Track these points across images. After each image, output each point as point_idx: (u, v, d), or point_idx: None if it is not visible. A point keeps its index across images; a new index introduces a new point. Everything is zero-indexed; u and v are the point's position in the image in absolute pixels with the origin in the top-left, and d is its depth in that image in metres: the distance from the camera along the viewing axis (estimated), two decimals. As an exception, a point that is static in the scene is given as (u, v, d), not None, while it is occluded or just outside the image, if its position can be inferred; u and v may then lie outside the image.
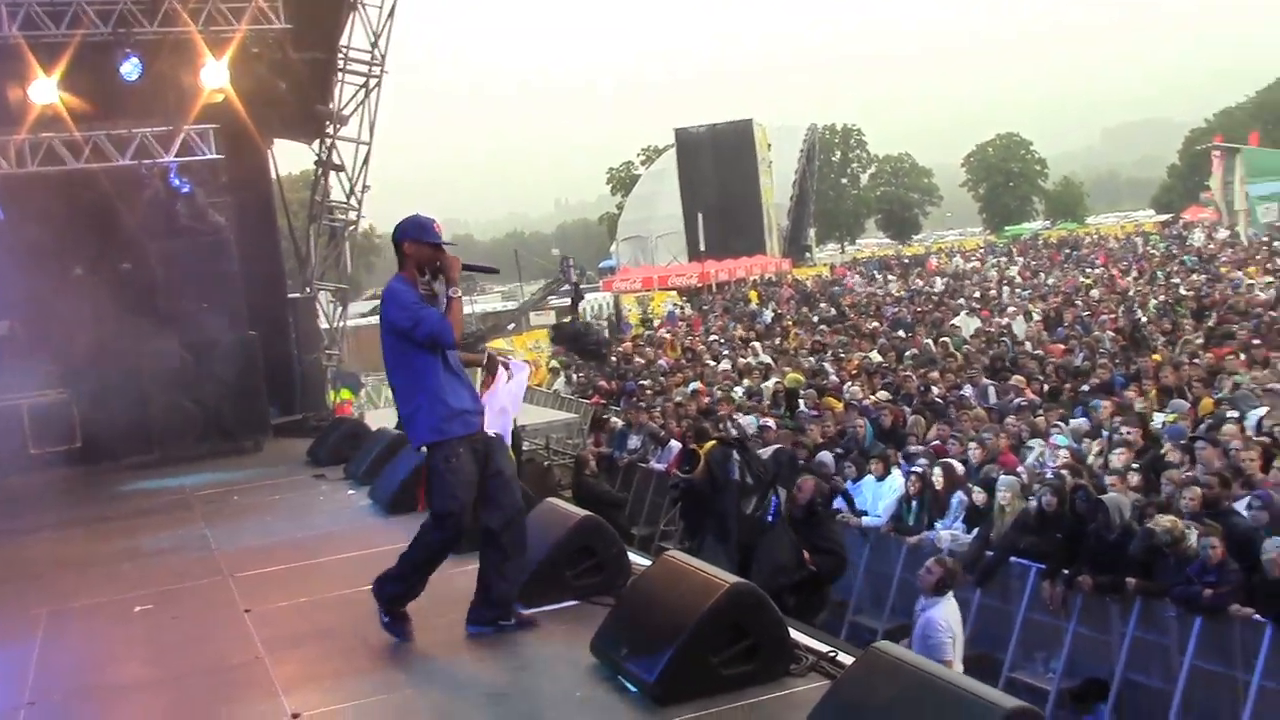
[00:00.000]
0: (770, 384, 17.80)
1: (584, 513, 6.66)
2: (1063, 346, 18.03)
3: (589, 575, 6.34)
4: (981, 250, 53.50)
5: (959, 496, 10.74)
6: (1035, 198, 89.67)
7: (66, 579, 8.58)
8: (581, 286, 22.71)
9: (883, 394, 15.43)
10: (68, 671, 6.38)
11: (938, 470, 11.02)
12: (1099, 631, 9.23)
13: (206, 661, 6.25)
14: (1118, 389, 13.52)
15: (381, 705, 5.33)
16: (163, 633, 6.90)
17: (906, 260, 51.70)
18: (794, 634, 5.19)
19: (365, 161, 17.82)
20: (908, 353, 19.34)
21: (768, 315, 31.43)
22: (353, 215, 18.50)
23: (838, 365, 19.07)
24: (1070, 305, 23.19)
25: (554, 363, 25.05)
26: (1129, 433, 11.17)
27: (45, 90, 13.04)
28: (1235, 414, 11.44)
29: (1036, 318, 22.35)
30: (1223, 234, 42.06)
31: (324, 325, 19.31)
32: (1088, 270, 33.58)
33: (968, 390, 15.10)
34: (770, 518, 8.51)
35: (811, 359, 20.20)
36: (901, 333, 22.66)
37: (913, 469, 11.44)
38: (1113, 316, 20.40)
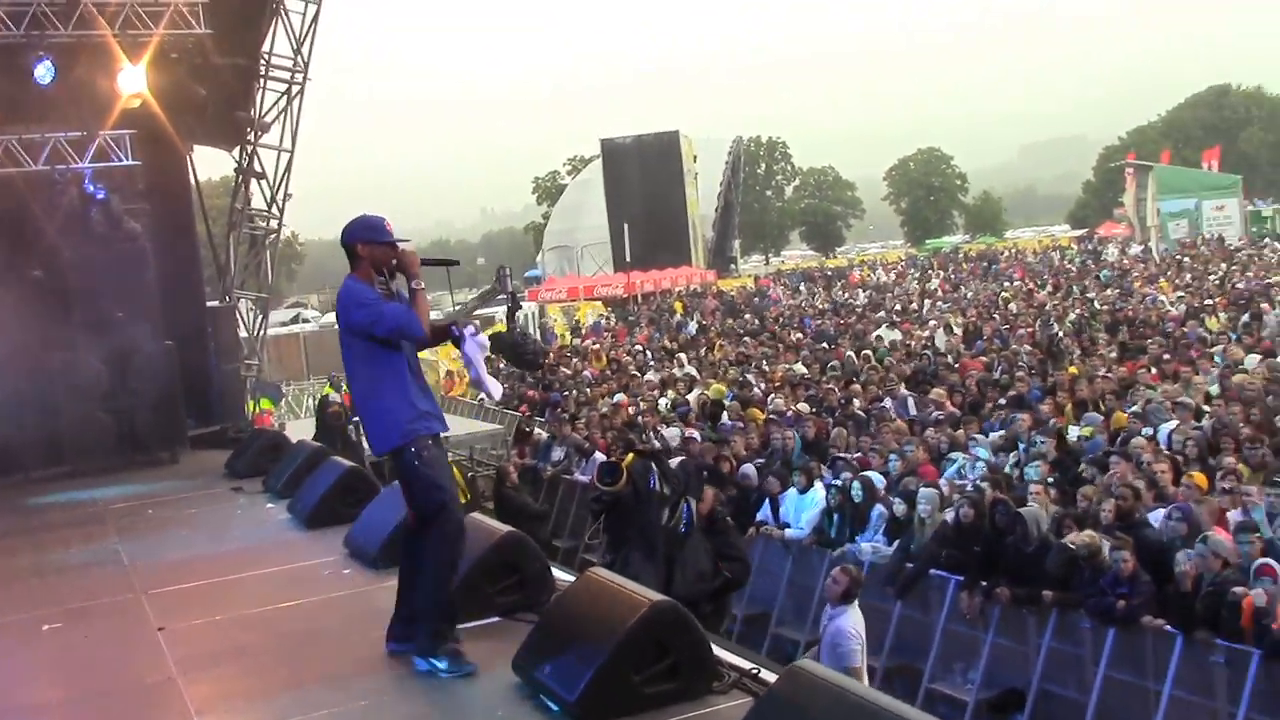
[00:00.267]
0: (694, 395, 17.85)
1: (507, 529, 6.63)
2: (982, 360, 18.31)
3: (511, 592, 6.32)
4: (903, 263, 54.22)
5: (879, 509, 10.86)
6: (955, 212, 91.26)
7: (-28, 597, 8.33)
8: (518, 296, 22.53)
9: (803, 406, 15.53)
10: (-28, 694, 6.20)
11: (857, 484, 11.13)
12: (1016, 642, 9.37)
13: (118, 682, 6.12)
14: (1034, 402, 13.75)
15: (299, 727, 5.24)
16: (72, 652, 6.74)
17: (830, 273, 52.24)
18: (717, 651, 5.21)
19: (287, 169, 17.57)
20: (830, 364, 19.52)
21: (692, 327, 31.56)
22: (274, 223, 18.22)
23: (761, 377, 19.18)
24: (989, 319, 23.59)
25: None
26: (1043, 444, 11.38)
27: (-45, 93, 12.70)
28: (1148, 429, 11.71)
29: (957, 331, 22.70)
30: (1136, 249, 43.09)
31: (244, 334, 18.99)
32: (1005, 284, 34.17)
33: (888, 403, 15.26)
34: (684, 528, 8.57)
35: (735, 370, 20.30)
36: (825, 345, 22.86)
37: (834, 481, 11.54)
38: (1030, 330, 20.78)
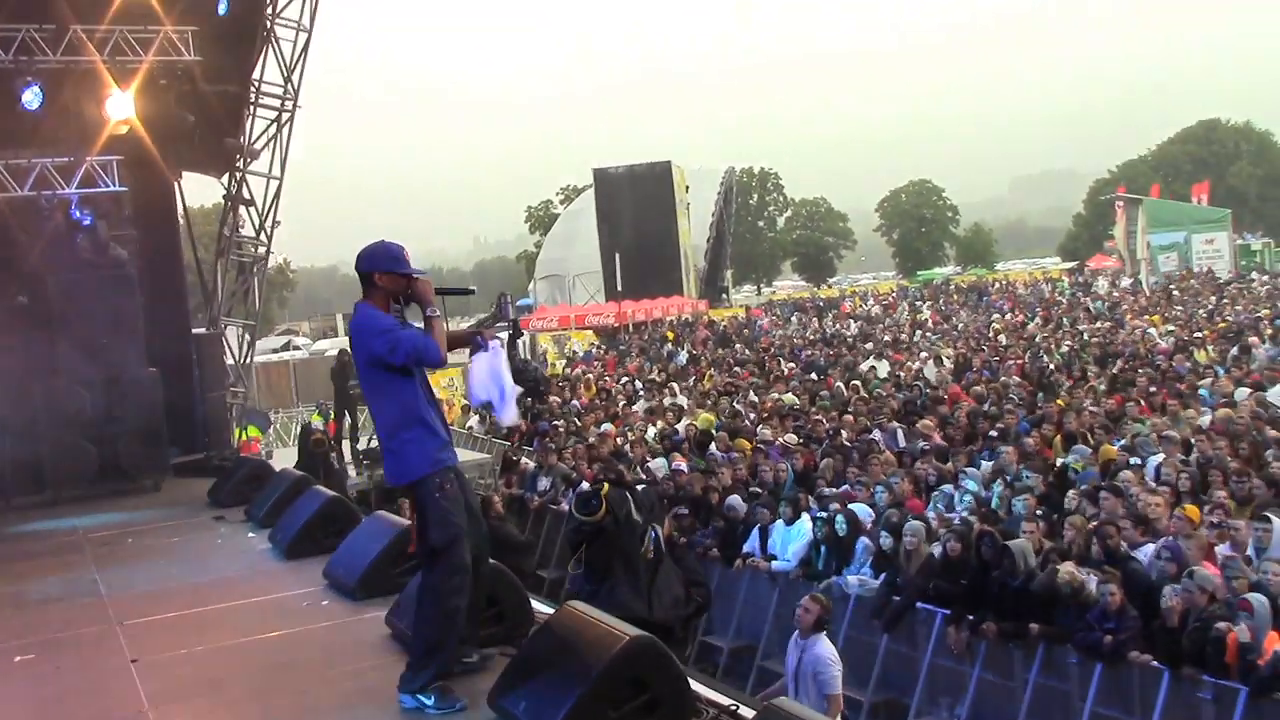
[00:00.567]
0: (682, 425, 17.78)
1: (488, 561, 6.53)
2: (974, 390, 18.24)
3: (490, 624, 6.22)
4: (894, 294, 54.32)
5: (864, 542, 10.79)
6: (946, 243, 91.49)
7: (-56, 627, 8.21)
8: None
9: (790, 437, 15.47)
10: (-62, 727, 6.09)
11: (842, 517, 11.07)
12: (1003, 677, 9.29)
13: (88, 715, 6.04)
14: (1022, 434, 13.71)
15: (269, 762, 5.15)
16: (43, 685, 6.62)
17: (821, 303, 52.27)
18: (695, 687, 5.12)
19: (276, 196, 17.58)
20: (820, 395, 19.47)
21: (683, 356, 31.51)
22: (262, 250, 18.20)
23: (751, 408, 19.11)
24: (979, 351, 23.57)
25: (466, 401, 24.79)
26: (1030, 478, 11.34)
27: (-59, 118, 12.68)
28: (1136, 460, 11.67)
29: (947, 363, 22.67)
30: (1126, 282, 43.21)
31: (231, 361, 18.92)
32: (996, 316, 34.19)
33: (877, 434, 15.20)
34: (653, 555, 8.53)
35: (726, 400, 20.24)
36: (815, 375, 22.81)
37: (820, 514, 11.47)
38: (1019, 362, 20.76)
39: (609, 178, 53.45)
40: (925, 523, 10.61)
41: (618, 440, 17.30)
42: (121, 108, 13.49)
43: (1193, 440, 12.19)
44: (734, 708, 5.06)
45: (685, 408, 19.76)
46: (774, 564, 11.57)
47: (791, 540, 11.52)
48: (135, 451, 14.20)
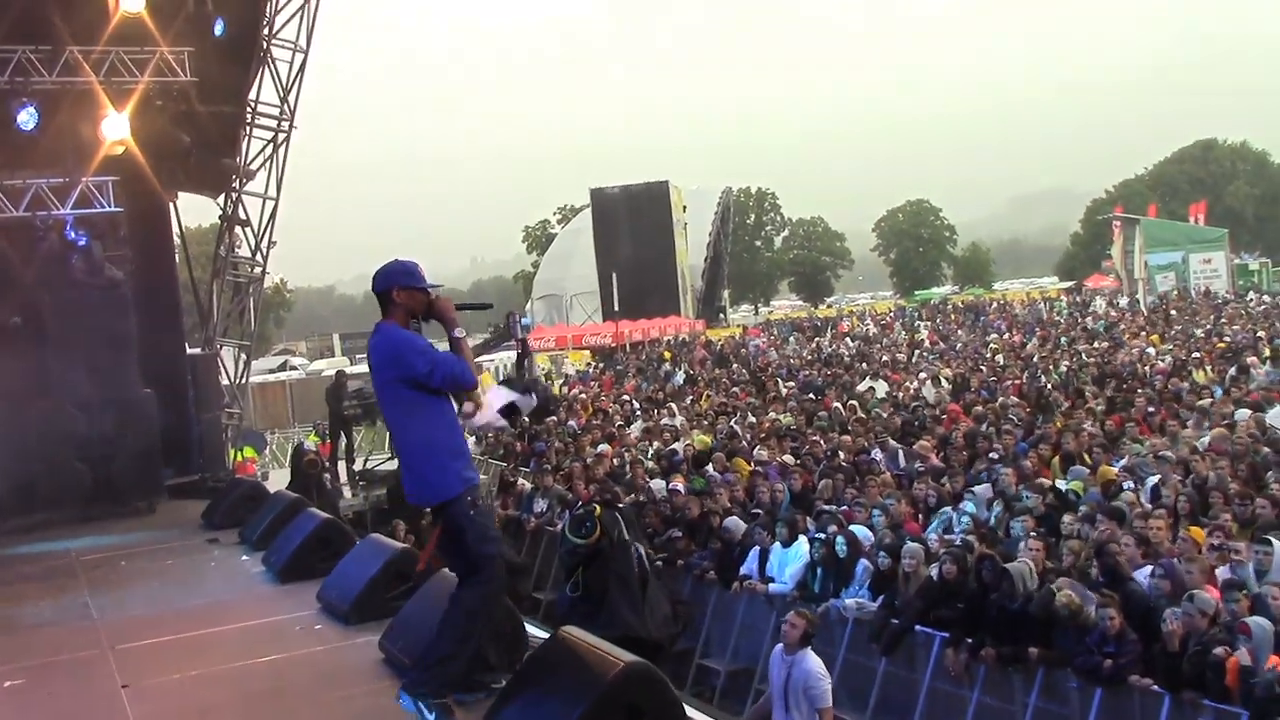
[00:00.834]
0: (680, 446, 17.71)
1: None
2: (973, 410, 18.16)
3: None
4: (892, 314, 54.35)
5: (863, 564, 10.71)
6: (944, 263, 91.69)
7: (-67, 652, 8.13)
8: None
9: (787, 457, 15.40)
10: (-75, 754, 6.02)
11: (841, 538, 10.99)
12: (1003, 701, 9.19)
13: (75, 742, 5.94)
14: (1020, 455, 13.64)
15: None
16: (31, 711, 6.56)
17: (819, 323, 52.30)
18: (690, 713, 5.07)
19: (272, 216, 17.57)
20: (817, 415, 19.39)
21: (680, 376, 31.46)
22: (258, 270, 18.17)
23: (748, 428, 19.03)
24: (976, 371, 23.50)
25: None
26: (1030, 499, 11.27)
27: (-64, 138, 12.67)
28: (1130, 483, 11.61)
29: (945, 384, 22.59)
30: (1124, 301, 43.25)
31: (226, 382, 18.86)
32: (993, 335, 34.16)
33: (877, 455, 15.13)
34: (638, 572, 8.53)
35: (723, 421, 20.17)
36: (812, 395, 22.74)
37: (817, 535, 11.39)
38: (1017, 382, 20.70)
39: (606, 198, 53.63)
40: (924, 544, 10.54)
41: (614, 461, 17.23)
42: (117, 128, 13.50)
43: (1190, 462, 12.13)
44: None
45: (679, 428, 19.69)
46: (771, 587, 11.47)
47: (789, 562, 11.42)
48: (129, 473, 14.15)
